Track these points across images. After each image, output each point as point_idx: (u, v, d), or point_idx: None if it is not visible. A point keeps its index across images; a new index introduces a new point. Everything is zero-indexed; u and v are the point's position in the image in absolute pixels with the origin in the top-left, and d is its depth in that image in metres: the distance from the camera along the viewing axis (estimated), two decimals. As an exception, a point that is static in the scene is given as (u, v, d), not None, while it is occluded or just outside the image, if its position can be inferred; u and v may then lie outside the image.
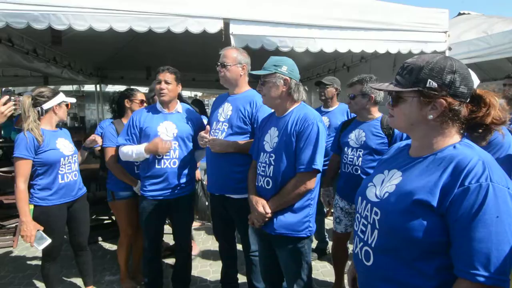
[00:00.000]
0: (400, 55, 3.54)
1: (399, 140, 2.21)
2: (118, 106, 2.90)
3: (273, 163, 1.85)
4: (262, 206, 1.83)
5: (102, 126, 2.96)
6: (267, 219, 1.84)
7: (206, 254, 3.59)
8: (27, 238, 2.17)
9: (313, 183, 1.81)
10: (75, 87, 9.75)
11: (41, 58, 4.42)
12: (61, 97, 2.39)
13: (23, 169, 2.20)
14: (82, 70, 6.05)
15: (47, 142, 2.28)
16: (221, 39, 2.83)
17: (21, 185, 2.19)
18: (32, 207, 2.26)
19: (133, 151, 2.34)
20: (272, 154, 1.87)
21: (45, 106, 2.31)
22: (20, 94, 2.58)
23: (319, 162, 1.77)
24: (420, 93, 0.98)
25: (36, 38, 4.12)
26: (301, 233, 1.83)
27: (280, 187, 1.83)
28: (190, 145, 2.47)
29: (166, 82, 2.36)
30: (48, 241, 2.24)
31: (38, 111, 2.29)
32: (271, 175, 1.85)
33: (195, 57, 5.65)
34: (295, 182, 1.78)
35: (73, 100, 2.59)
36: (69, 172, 2.42)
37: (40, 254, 2.49)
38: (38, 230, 2.22)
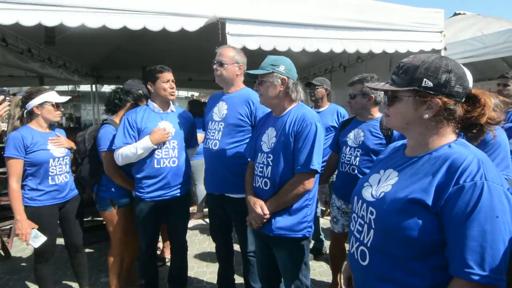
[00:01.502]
0: (396, 55, 3.55)
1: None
2: (122, 102, 2.66)
3: (271, 163, 1.83)
4: (260, 207, 1.81)
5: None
6: (265, 220, 1.82)
7: (202, 255, 3.58)
8: (22, 236, 2.16)
9: (312, 183, 1.79)
10: (70, 87, 9.71)
11: (36, 58, 4.38)
12: (43, 97, 2.31)
13: (14, 168, 2.19)
14: (77, 70, 6.01)
15: (37, 143, 2.26)
16: (218, 38, 2.83)
17: (14, 184, 2.19)
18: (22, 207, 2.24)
19: (136, 147, 2.24)
20: (270, 155, 1.85)
21: (28, 107, 2.30)
22: (14, 95, 2.54)
23: (318, 163, 1.75)
24: (416, 93, 0.98)
25: (31, 37, 4.08)
26: (299, 233, 1.82)
27: (278, 188, 1.81)
28: (185, 143, 2.47)
29: (173, 82, 2.37)
30: (44, 239, 2.24)
31: (23, 112, 2.31)
32: (269, 175, 1.83)
33: (192, 57, 5.65)
34: (294, 182, 1.76)
35: (62, 99, 2.41)
36: (60, 173, 2.39)
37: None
38: (33, 228, 2.21)
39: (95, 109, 7.74)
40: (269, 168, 1.83)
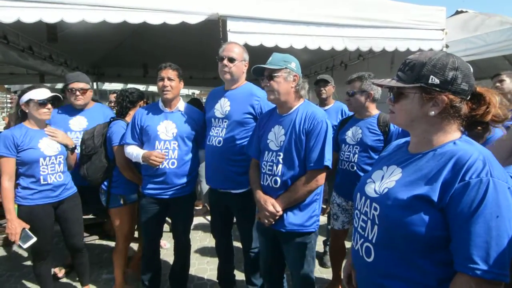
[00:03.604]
0: (397, 52, 3.55)
1: (395, 137, 2.23)
2: (133, 104, 2.69)
3: (281, 161, 1.84)
4: (272, 205, 1.83)
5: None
6: (277, 217, 1.84)
7: (203, 252, 3.59)
8: (11, 236, 2.17)
9: (323, 179, 1.83)
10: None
11: (36, 56, 4.38)
12: (28, 95, 2.26)
13: (5, 167, 2.20)
14: (78, 68, 6.00)
15: (28, 141, 2.25)
16: (219, 36, 2.82)
17: (5, 183, 2.19)
18: (16, 206, 2.25)
19: (133, 154, 2.33)
20: (279, 153, 1.85)
21: (21, 104, 2.31)
22: (15, 93, 2.55)
23: (329, 159, 1.79)
24: (422, 89, 0.98)
25: (32, 35, 4.08)
26: (310, 228, 1.87)
27: (290, 185, 1.83)
28: (191, 144, 2.41)
29: (169, 79, 2.31)
30: (33, 239, 2.23)
31: (17, 110, 2.32)
32: (279, 173, 1.84)
33: (192, 55, 5.64)
34: (306, 179, 1.79)
35: (43, 96, 2.26)
36: (53, 173, 2.33)
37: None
38: (24, 228, 2.21)
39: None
40: (279, 166, 1.84)
